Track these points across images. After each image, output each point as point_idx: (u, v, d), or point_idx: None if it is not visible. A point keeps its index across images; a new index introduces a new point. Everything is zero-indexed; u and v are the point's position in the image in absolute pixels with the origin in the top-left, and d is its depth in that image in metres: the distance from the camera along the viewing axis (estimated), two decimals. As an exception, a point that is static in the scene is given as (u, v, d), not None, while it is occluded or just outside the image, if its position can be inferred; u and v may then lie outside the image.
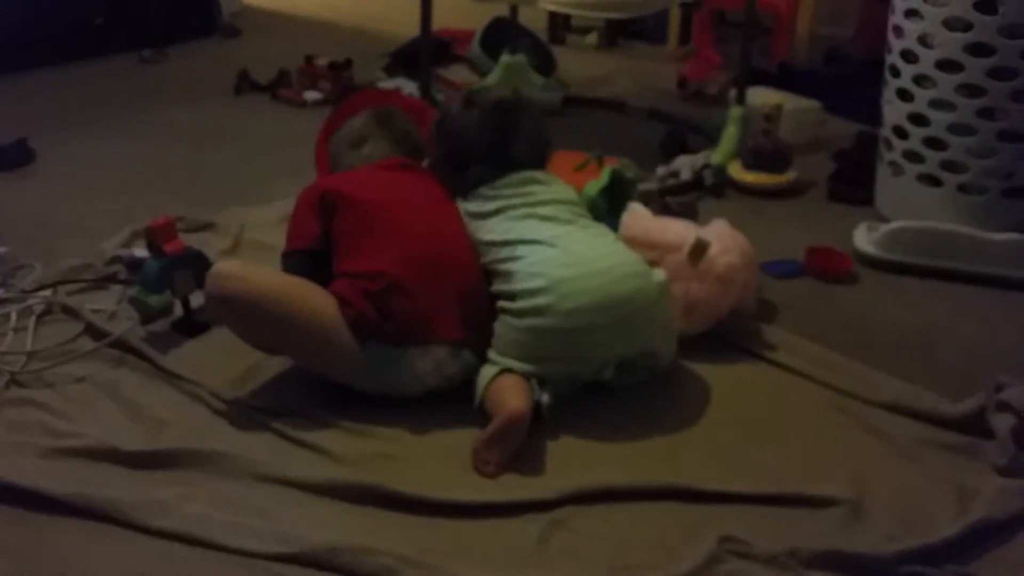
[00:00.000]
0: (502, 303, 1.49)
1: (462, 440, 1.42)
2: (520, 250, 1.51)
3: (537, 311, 1.44)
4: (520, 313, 1.45)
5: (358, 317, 1.44)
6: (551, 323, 1.43)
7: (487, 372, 1.47)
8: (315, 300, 1.46)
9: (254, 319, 1.48)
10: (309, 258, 1.56)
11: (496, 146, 1.64)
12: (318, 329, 1.45)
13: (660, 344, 1.53)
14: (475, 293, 1.53)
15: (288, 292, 1.47)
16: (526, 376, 1.45)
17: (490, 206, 1.59)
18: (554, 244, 1.50)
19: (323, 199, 1.57)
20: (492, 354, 1.49)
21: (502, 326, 1.49)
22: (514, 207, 1.57)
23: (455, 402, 1.49)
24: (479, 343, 1.50)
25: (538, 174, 1.64)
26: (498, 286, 1.52)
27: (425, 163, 1.75)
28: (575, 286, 1.43)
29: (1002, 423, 1.42)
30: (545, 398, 1.45)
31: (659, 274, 1.50)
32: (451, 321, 1.48)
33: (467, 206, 1.62)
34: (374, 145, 1.77)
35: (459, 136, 1.67)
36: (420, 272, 1.47)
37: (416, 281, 1.46)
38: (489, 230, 1.57)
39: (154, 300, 1.68)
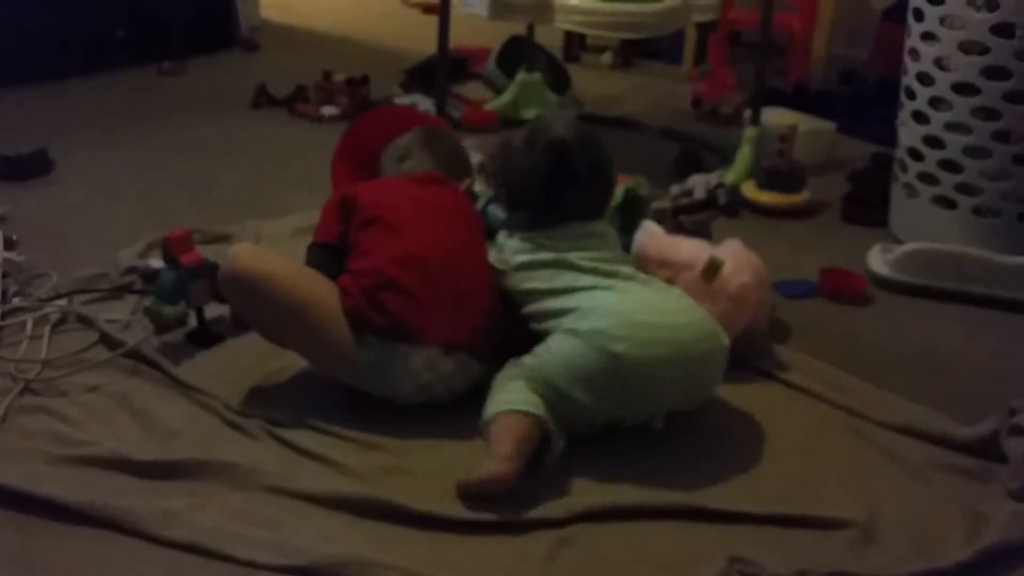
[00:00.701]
0: (570, 327, 1.43)
1: (472, 455, 1.41)
2: (588, 294, 1.47)
3: (613, 356, 1.38)
4: (591, 343, 1.39)
5: (354, 307, 1.47)
6: (620, 366, 1.38)
7: (508, 393, 1.43)
8: (321, 288, 1.50)
9: (262, 299, 1.50)
10: (328, 251, 1.60)
11: (545, 193, 1.58)
12: (320, 316, 1.47)
13: (704, 399, 1.52)
14: (478, 300, 1.54)
15: (297, 277, 1.51)
16: (546, 420, 1.40)
17: (544, 255, 1.55)
18: (626, 291, 1.48)
19: (343, 203, 1.63)
20: (533, 365, 1.44)
21: (566, 342, 1.42)
22: (575, 260, 1.52)
23: (465, 416, 1.48)
24: (482, 350, 1.51)
25: (597, 227, 1.60)
26: (556, 320, 1.47)
27: (464, 185, 1.76)
28: (651, 335, 1.40)
29: (1015, 447, 1.41)
30: (548, 458, 1.40)
31: (725, 337, 1.48)
32: (445, 324, 1.48)
33: (515, 256, 1.57)
34: (416, 161, 1.80)
35: (512, 175, 1.64)
36: (416, 273, 1.49)
37: (410, 281, 1.48)
38: (545, 279, 1.53)
39: (169, 311, 1.69)
